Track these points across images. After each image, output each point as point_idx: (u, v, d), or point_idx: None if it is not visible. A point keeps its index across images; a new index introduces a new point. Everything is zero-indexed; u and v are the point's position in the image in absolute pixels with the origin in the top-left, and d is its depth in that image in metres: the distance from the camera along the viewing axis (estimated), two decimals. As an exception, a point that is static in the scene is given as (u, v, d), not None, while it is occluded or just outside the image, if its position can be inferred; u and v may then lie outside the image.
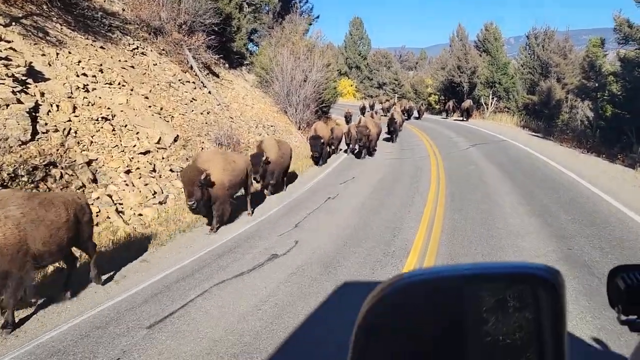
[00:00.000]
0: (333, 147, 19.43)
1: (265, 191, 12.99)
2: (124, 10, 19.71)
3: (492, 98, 40.85)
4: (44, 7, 14.12)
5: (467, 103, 38.81)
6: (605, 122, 24.77)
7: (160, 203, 10.89)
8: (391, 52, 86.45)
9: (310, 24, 42.18)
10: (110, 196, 10.15)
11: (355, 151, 19.30)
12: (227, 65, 27.41)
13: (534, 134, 28.78)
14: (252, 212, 11.29)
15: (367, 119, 20.00)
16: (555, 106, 33.81)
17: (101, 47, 15.39)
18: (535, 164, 16.94)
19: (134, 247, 8.48)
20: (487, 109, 40.38)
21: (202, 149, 14.77)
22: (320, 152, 17.15)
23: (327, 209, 11.50)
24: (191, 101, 17.37)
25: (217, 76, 23.22)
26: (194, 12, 20.59)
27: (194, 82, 19.10)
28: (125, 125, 12.73)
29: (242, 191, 11.39)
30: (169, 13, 19.74)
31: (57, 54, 12.77)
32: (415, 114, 42.56)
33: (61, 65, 12.58)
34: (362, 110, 40.75)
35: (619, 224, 9.30)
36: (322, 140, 16.83)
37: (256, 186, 12.39)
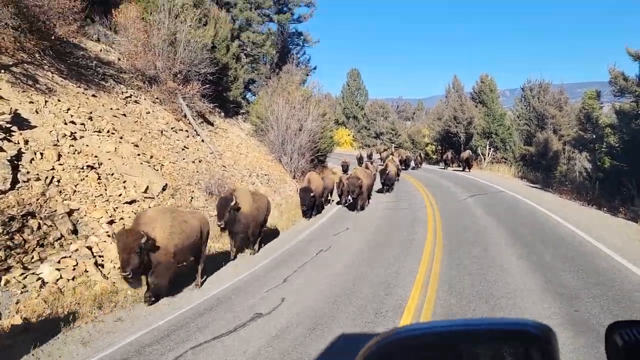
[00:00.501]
0: (323, 198, 18.92)
1: (247, 250, 12.34)
2: (119, 59, 19.77)
3: (489, 148, 40.94)
4: (36, 55, 14.04)
5: (467, 153, 38.12)
6: (604, 174, 24.54)
7: (143, 255, 10.36)
8: (388, 102, 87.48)
9: (308, 75, 42.93)
10: (90, 248, 9.64)
11: (348, 203, 18.51)
12: (222, 114, 27.43)
13: (532, 185, 28.51)
14: (201, 284, 9.44)
15: (359, 170, 19.57)
16: (553, 157, 33.75)
17: (93, 95, 15.24)
18: (535, 216, 16.51)
19: (109, 304, 7.92)
20: (485, 159, 40.37)
21: (192, 198, 14.37)
22: (311, 205, 16.58)
23: (319, 262, 10.99)
24: (183, 149, 17.11)
25: (212, 124, 23.12)
26: (190, 62, 20.67)
27: (186, 131, 18.92)
28: (112, 174, 12.36)
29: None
30: (165, 62, 19.80)
31: (46, 101, 12.56)
32: (413, 164, 42.18)
33: (49, 112, 12.34)
34: (360, 160, 40.38)
35: (627, 282, 8.78)
36: (312, 193, 16.18)
37: (220, 247, 11.90)
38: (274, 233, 14.42)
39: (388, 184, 23.54)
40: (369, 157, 45.31)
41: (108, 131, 13.66)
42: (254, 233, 12.03)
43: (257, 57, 38.76)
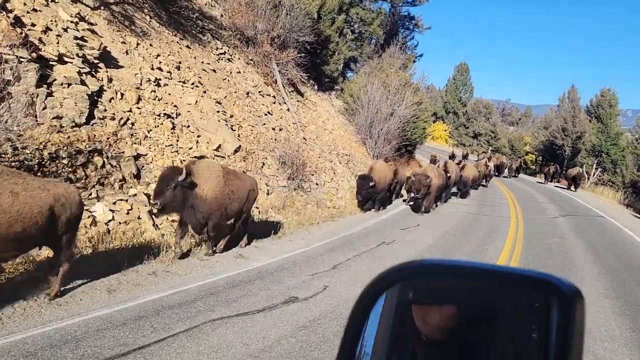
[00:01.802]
0: (390, 192, 17.20)
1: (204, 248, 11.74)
2: (222, 15, 19.77)
3: (596, 168, 37.38)
4: (139, -3, 14.19)
5: (576, 170, 33.66)
6: None
7: (199, 212, 10.10)
8: (494, 103, 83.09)
9: (414, 61, 41.30)
10: (148, 196, 9.50)
11: (411, 202, 16.30)
12: (315, 86, 26.96)
13: (638, 215, 25.51)
14: (245, 245, 9.30)
15: (430, 167, 17.54)
16: (668, 189, 30.12)
17: (187, 46, 15.25)
18: (635, 250, 14.51)
19: (149, 256, 7.66)
20: (588, 179, 36.82)
21: (264, 165, 14.01)
22: (368, 197, 14.72)
23: (377, 254, 10.19)
24: (266, 114, 16.80)
25: (302, 95, 22.71)
26: (290, 28, 20.23)
27: (274, 97, 18.60)
28: (188, 126, 12.24)
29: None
30: (265, 24, 19.51)
31: (138, 44, 12.63)
32: (506, 172, 38.10)
33: (138, 55, 12.40)
34: (451, 158, 37.48)
35: None
36: (371, 183, 14.28)
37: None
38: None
39: (461, 189, 21.28)
40: (464, 157, 42.16)
41: (193, 83, 13.56)
42: (217, 226, 8.46)
43: (363, 35, 37.82)
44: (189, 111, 12.81)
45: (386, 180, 15.54)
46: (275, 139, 15.82)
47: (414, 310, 0.93)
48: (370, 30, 37.09)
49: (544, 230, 15.72)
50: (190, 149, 11.61)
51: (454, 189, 20.73)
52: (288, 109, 19.19)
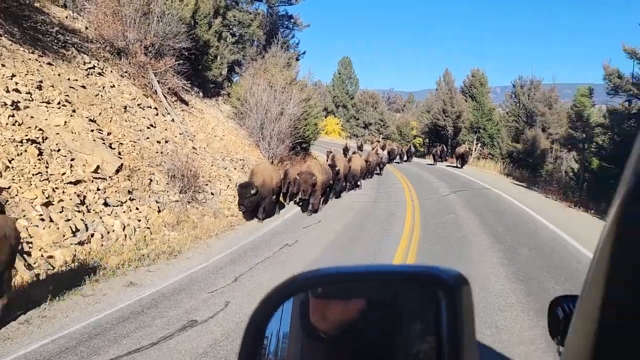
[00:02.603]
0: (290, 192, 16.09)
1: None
2: (87, 28, 18.38)
3: (477, 144, 40.07)
4: (-17, 14, 12.69)
5: (463, 148, 35.45)
6: (592, 174, 23.77)
7: (81, 243, 9.19)
8: (379, 93, 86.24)
9: (298, 59, 41.46)
10: (16, 233, 8.45)
11: (297, 201, 15.73)
12: (200, 93, 26.14)
13: (517, 183, 27.68)
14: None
15: (314, 164, 16.38)
16: (540, 156, 33.01)
17: (48, 64, 13.91)
18: (520, 217, 15.61)
19: (25, 300, 6.76)
20: (471, 155, 39.39)
21: (151, 181, 13.17)
22: (253, 205, 13.11)
23: (281, 258, 9.93)
24: (148, 128, 15.86)
25: (187, 104, 21.83)
26: (163, 35, 19.31)
27: (156, 108, 17.64)
28: (58, 150, 11.13)
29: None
30: (136, 33, 18.43)
31: (-13, 65, 11.26)
32: (398, 158, 38.51)
33: (-12, 78, 11.05)
34: (345, 150, 36.85)
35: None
36: (253, 190, 12.70)
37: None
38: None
39: (351, 181, 20.43)
40: (360, 147, 42.73)
41: (59, 102, 12.38)
42: None
43: (244, 37, 37.33)
44: (57, 133, 11.67)
45: (272, 184, 13.92)
46: (161, 153, 14.97)
47: (311, 305, 0.90)
48: (250, 31, 36.74)
49: (438, 209, 16.40)
50: (64, 174, 10.56)
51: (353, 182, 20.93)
52: (173, 120, 18.30)
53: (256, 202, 13.21)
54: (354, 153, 27.16)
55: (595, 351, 0.60)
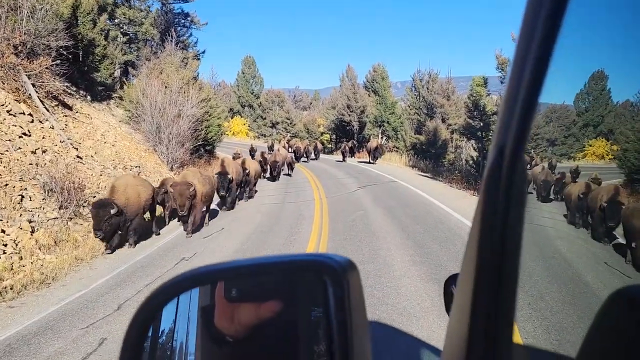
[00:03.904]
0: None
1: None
2: (-60, 25, 15.94)
3: (382, 137, 40.67)
4: None
5: (375, 142, 34.78)
6: (490, 162, 24.66)
7: None
8: (285, 92, 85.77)
9: (198, 59, 39.66)
10: None
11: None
12: (88, 97, 23.99)
13: (422, 174, 28.23)
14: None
15: (192, 172, 13.27)
16: (442, 146, 34.02)
17: None
18: (427, 208, 15.58)
19: None
20: (385, 148, 39.81)
21: (22, 197, 11.48)
22: (114, 228, 10.42)
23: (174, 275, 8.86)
24: (20, 137, 13.95)
25: (70, 109, 19.77)
26: (36, 33, 17.24)
27: (30, 114, 15.64)
28: None
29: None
30: (2, 31, 16.26)
31: None
32: (313, 155, 37.10)
33: None
34: (251, 151, 34.56)
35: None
36: (113, 209, 10.06)
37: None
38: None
39: (245, 187, 17.75)
40: (270, 148, 40.82)
41: None
42: None
43: (136, 37, 35.04)
44: None
45: (139, 200, 11.34)
46: (37, 164, 13.20)
47: (218, 309, 0.84)
48: (143, 30, 34.58)
49: (347, 206, 15.99)
50: None
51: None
52: (52, 127, 16.36)
53: (118, 225, 10.46)
54: (262, 153, 26.07)
55: (471, 321, 0.64)
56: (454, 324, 0.75)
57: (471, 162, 29.26)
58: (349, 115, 43.18)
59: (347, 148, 37.32)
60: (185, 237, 12.08)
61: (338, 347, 0.76)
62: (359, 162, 35.21)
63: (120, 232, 10.81)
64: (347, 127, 43.89)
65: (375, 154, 33.28)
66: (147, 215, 12.79)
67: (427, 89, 39.06)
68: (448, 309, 1.49)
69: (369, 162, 33.35)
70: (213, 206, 14.62)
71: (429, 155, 32.98)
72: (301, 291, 0.86)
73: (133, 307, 7.21)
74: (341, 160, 36.40)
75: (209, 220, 13.76)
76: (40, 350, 5.78)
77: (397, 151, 38.93)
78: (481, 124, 25.12)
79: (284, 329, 0.83)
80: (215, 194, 14.64)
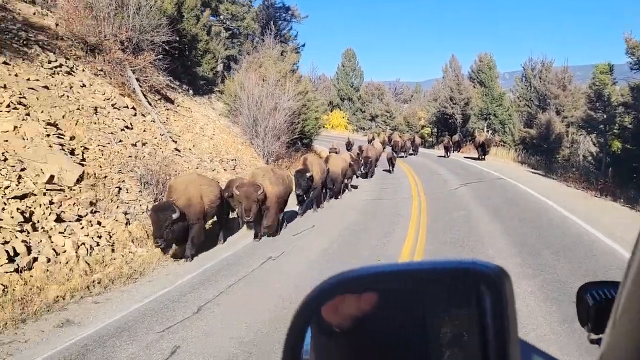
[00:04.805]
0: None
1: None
2: (57, 24, 16.90)
3: (487, 131, 38.17)
4: None
5: (483, 136, 31.74)
6: (613, 158, 21.93)
7: (19, 270, 7.69)
8: (385, 84, 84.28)
9: (298, 52, 39.82)
10: None
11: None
12: (190, 91, 24.65)
13: (533, 170, 25.85)
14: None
15: (265, 170, 11.81)
16: (555, 140, 31.12)
17: (4, 63, 12.47)
18: (539, 209, 13.91)
19: None
20: (493, 143, 37.05)
21: (120, 189, 11.66)
22: (177, 235, 9.21)
23: (259, 276, 8.38)
24: (123, 130, 14.36)
25: (172, 102, 20.33)
26: (141, 28, 17.79)
27: (134, 108, 16.13)
28: (5, 159, 9.66)
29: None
30: (111, 28, 16.94)
31: None
32: (401, 151, 33.92)
33: None
34: (348, 145, 33.42)
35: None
36: (175, 214, 8.79)
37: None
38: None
39: (331, 187, 15.69)
40: (370, 142, 39.20)
41: (9, 105, 10.90)
42: None
43: (239, 31, 35.80)
44: (6, 140, 10.20)
45: (202, 205, 9.92)
46: (136, 157, 13.47)
47: (325, 305, 0.84)
48: (245, 25, 35.27)
49: (448, 205, 14.77)
50: (7, 187, 9.08)
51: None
52: (153, 120, 16.79)
53: (180, 232, 9.21)
54: (359, 147, 24.89)
55: None
56: (617, 342, 0.67)
57: (590, 158, 26.39)
58: (452, 107, 41.04)
59: (451, 142, 34.73)
60: (253, 240, 10.88)
61: (496, 355, 0.74)
62: (464, 157, 32.87)
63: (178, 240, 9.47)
64: (450, 120, 41.81)
65: (484, 148, 30.23)
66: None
67: (540, 78, 36.02)
68: (583, 321, 1.37)
69: (478, 159, 30.55)
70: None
71: (541, 151, 30.29)
72: (436, 299, 0.81)
73: (212, 310, 6.78)
74: (443, 155, 34.17)
75: (286, 224, 12.41)
76: (113, 356, 5.46)
77: (503, 146, 36.30)
78: (604, 116, 22.36)
79: (403, 325, 0.81)
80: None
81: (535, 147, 31.83)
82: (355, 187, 18.70)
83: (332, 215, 13.88)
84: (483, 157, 30.09)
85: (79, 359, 5.39)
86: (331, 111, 69.78)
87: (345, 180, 17.23)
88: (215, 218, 11.16)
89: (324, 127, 43.28)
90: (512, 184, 19.18)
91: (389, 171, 24.09)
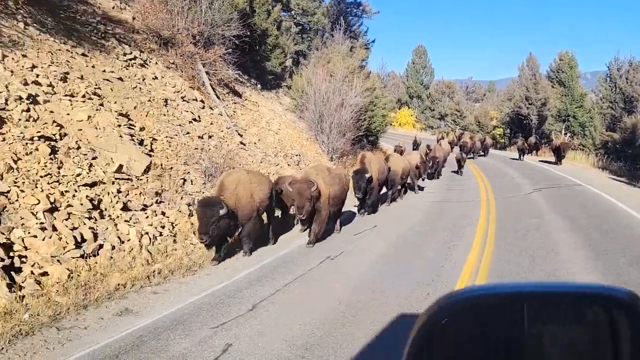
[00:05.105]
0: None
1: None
2: (134, 18, 17.50)
3: (565, 134, 36.07)
4: (10, 2, 11.87)
5: (560, 139, 29.58)
6: None
7: (85, 256, 7.89)
8: (457, 83, 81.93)
9: (367, 48, 39.39)
10: (7, 246, 7.27)
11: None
12: (259, 85, 24.88)
13: (615, 177, 24.05)
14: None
15: (319, 168, 11.35)
16: (642, 146, 28.89)
17: (83, 54, 13.00)
18: (624, 221, 12.81)
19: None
20: (571, 147, 34.77)
21: (185, 181, 11.84)
22: (223, 233, 8.77)
23: (317, 276, 8.17)
24: (190, 122, 14.62)
25: (240, 96, 20.57)
26: (213, 23, 18.07)
27: (202, 101, 16.42)
28: (78, 148, 10.01)
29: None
30: (184, 22, 17.32)
31: (4, 56, 10.33)
32: (470, 152, 32.03)
33: (5, 69, 10.11)
34: (415, 144, 31.77)
35: None
36: (222, 210, 8.36)
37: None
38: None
39: (391, 187, 14.97)
40: (438, 142, 37.56)
41: (84, 95, 11.31)
42: None
43: (309, 26, 35.85)
44: (80, 129, 10.58)
45: (252, 201, 9.46)
46: (202, 149, 13.66)
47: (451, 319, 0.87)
48: (315, 20, 35.20)
49: (519, 211, 13.95)
50: (78, 175, 9.38)
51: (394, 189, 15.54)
52: (220, 113, 17.02)
53: (226, 229, 8.78)
54: (427, 146, 24.06)
55: None
56: None
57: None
58: (527, 108, 39.13)
59: (526, 144, 32.87)
60: (306, 246, 10.05)
61: None
62: (539, 161, 31.02)
63: (229, 238, 9.25)
64: (524, 121, 39.88)
65: (559, 153, 28.05)
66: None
67: (627, 79, 33.56)
68: None
69: (554, 163, 28.44)
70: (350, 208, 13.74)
71: (625, 156, 28.21)
72: (559, 314, 0.80)
73: (266, 308, 6.63)
74: (516, 157, 32.36)
75: (340, 227, 11.65)
76: (166, 349, 5.41)
77: (582, 150, 34.16)
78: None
79: (525, 345, 0.77)
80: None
81: (618, 153, 29.74)
82: (422, 188, 18.12)
83: (395, 216, 13.47)
84: (560, 161, 28.18)
85: (133, 350, 5.38)
86: (399, 109, 68.75)
87: (409, 181, 16.68)
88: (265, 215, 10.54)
89: (391, 124, 42.56)
90: (592, 191, 17.89)
91: (457, 172, 23.22)
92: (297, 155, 19.08)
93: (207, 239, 8.28)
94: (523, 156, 31.64)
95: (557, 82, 40.19)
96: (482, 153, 34.30)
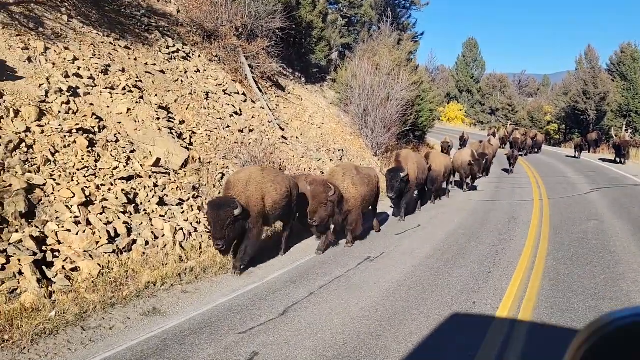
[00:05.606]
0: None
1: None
2: (179, 11, 17.47)
3: (626, 130, 33.97)
4: (55, -5, 11.96)
5: (621, 136, 27.33)
6: None
7: (117, 252, 7.75)
8: (509, 76, 79.05)
9: (416, 40, 38.38)
10: (41, 240, 7.20)
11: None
12: (303, 79, 24.51)
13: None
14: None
15: (346, 168, 10.09)
16: None
17: (126, 47, 13.00)
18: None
19: (16, 332, 5.35)
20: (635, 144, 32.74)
21: (223, 175, 11.60)
22: (237, 235, 7.81)
23: (354, 279, 7.71)
24: (232, 116, 14.42)
25: (283, 89, 20.28)
26: (256, 15, 17.82)
27: (244, 94, 16.21)
28: (116, 140, 9.94)
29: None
30: (227, 14, 17.14)
31: (47, 48, 10.36)
32: (521, 148, 29.96)
33: (46, 62, 10.14)
34: (462, 140, 29.96)
35: None
36: (237, 210, 7.39)
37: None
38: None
39: (430, 188, 14.18)
40: (488, 137, 35.66)
41: (124, 88, 11.24)
42: None
43: (356, 19, 35.22)
44: (119, 122, 10.52)
45: (264, 206, 8.37)
46: (242, 143, 13.42)
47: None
48: (362, 12, 34.54)
49: (576, 212, 13.00)
50: (115, 168, 9.28)
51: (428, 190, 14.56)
52: (263, 107, 16.77)
53: (240, 233, 7.87)
54: (461, 145, 22.95)
55: None
56: None
57: None
58: (585, 102, 37.16)
59: (584, 141, 30.80)
60: (315, 253, 9.18)
61: None
62: (598, 159, 29.17)
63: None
64: (581, 117, 37.91)
65: (621, 151, 25.90)
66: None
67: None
68: None
69: (614, 162, 26.41)
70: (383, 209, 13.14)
71: (693, 155, 26.21)
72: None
73: (298, 313, 6.24)
74: (573, 155, 30.59)
75: (379, 226, 11.11)
76: (190, 355, 5.11)
77: (645, 147, 32.07)
78: None
79: None
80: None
81: (686, 151, 27.69)
82: (474, 187, 17.25)
83: (440, 216, 12.82)
84: (622, 160, 26.06)
85: (155, 356, 5.11)
86: (448, 103, 67.10)
87: (457, 178, 15.93)
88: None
89: (439, 119, 41.46)
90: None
91: (507, 170, 22.17)
92: (340, 150, 18.63)
93: (223, 244, 7.37)
94: (580, 153, 29.85)
95: (618, 76, 37.93)
96: (535, 150, 32.75)
